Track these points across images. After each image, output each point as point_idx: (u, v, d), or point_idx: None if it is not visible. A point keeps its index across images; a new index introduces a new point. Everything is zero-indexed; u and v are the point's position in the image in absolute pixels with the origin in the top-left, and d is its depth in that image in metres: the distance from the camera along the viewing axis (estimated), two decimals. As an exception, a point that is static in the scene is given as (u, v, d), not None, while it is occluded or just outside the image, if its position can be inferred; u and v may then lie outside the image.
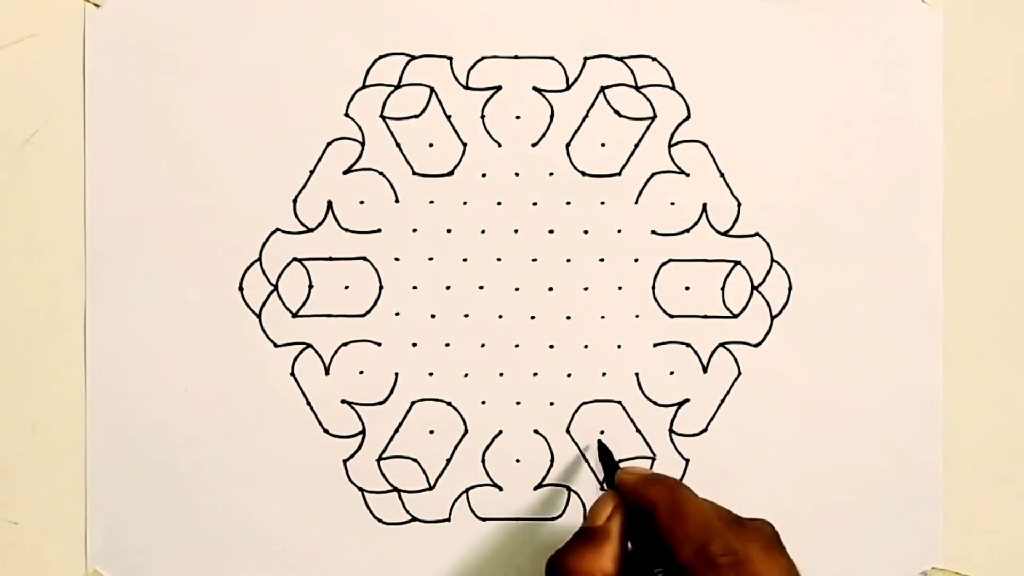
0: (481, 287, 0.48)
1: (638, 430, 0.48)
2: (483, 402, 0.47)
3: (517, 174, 0.48)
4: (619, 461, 0.47)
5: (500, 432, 0.47)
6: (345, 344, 0.47)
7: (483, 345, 0.47)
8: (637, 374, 0.48)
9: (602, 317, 0.48)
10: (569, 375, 0.48)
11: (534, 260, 0.48)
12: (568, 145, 0.48)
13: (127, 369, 0.47)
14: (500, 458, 0.47)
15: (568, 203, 0.48)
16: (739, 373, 0.48)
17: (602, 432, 0.48)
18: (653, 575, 0.40)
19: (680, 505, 0.40)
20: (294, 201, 0.47)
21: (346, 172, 0.47)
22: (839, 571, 0.48)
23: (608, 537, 0.41)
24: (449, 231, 0.48)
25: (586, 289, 0.48)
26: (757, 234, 0.48)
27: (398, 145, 0.47)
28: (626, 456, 0.48)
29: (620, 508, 0.42)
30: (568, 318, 0.48)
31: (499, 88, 0.48)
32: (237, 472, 0.47)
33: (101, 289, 0.47)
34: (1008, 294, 0.48)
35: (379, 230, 0.47)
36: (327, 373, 0.47)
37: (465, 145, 0.48)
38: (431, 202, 0.48)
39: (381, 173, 0.47)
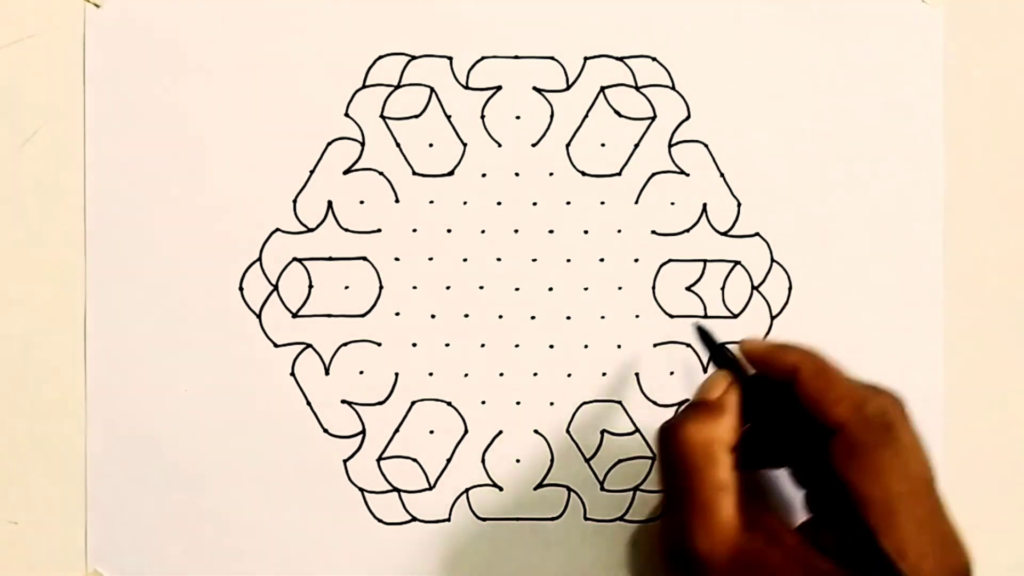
0: (481, 287, 0.48)
1: (638, 430, 0.48)
2: (483, 402, 0.47)
3: (517, 174, 0.48)
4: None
5: (500, 432, 0.47)
6: (345, 344, 0.47)
7: (483, 345, 0.47)
8: (637, 374, 0.48)
9: (602, 317, 0.48)
10: (569, 375, 0.48)
11: (534, 260, 0.48)
12: (568, 145, 0.48)
13: (127, 369, 0.47)
14: (500, 458, 0.47)
15: (568, 203, 0.48)
16: (739, 373, 0.48)
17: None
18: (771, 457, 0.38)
19: (825, 368, 0.39)
20: (294, 201, 0.47)
21: (346, 172, 0.47)
22: (839, 571, 0.48)
23: (725, 408, 0.40)
24: (449, 231, 0.48)
25: (586, 289, 0.48)
26: (757, 234, 0.48)
27: (398, 145, 0.47)
28: (626, 456, 0.48)
29: (736, 383, 0.41)
30: (568, 318, 0.48)
31: (499, 88, 0.48)
32: (237, 472, 0.47)
33: (101, 289, 0.47)
34: (1008, 294, 0.48)
35: (379, 230, 0.47)
36: (327, 373, 0.47)
37: (465, 145, 0.48)
38: (431, 202, 0.48)
39: (381, 173, 0.47)
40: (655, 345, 0.48)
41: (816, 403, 0.38)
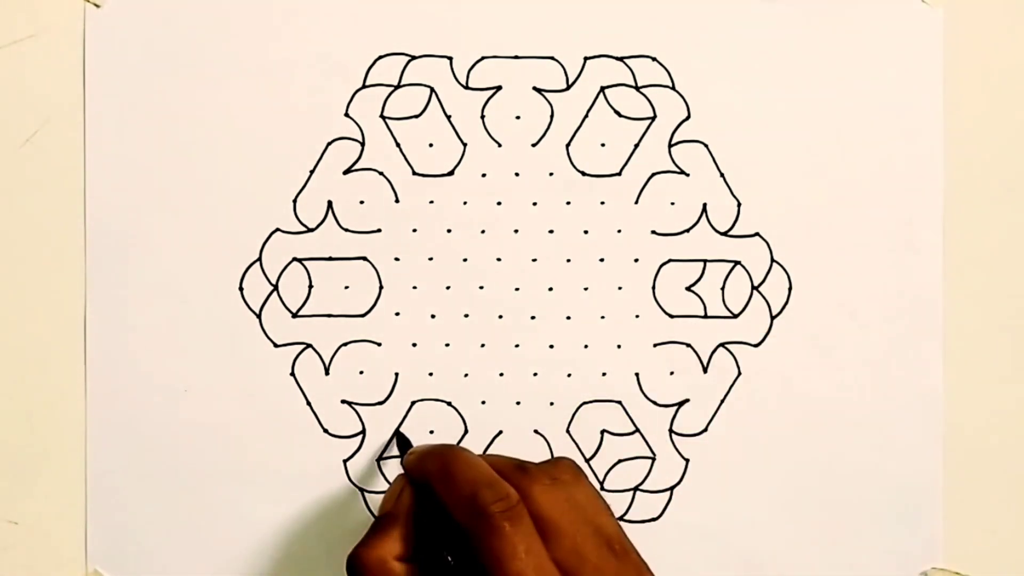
0: (481, 287, 0.48)
1: (638, 430, 0.48)
2: (483, 402, 0.47)
3: (517, 174, 0.48)
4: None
5: (500, 432, 0.47)
6: (345, 344, 0.47)
7: (483, 345, 0.47)
8: (637, 374, 0.48)
9: (602, 317, 0.48)
10: (569, 375, 0.48)
11: (534, 260, 0.48)
12: (568, 145, 0.48)
13: (127, 369, 0.47)
14: (500, 458, 0.47)
15: (568, 203, 0.48)
16: (739, 373, 0.48)
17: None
18: (441, 558, 0.39)
19: (449, 468, 0.39)
20: (294, 201, 0.47)
21: (346, 172, 0.47)
22: (839, 571, 0.48)
23: (395, 520, 0.40)
24: (449, 231, 0.48)
25: (586, 289, 0.48)
26: (757, 234, 0.48)
27: (398, 145, 0.47)
28: (626, 456, 0.48)
29: (408, 488, 0.41)
30: (568, 318, 0.48)
31: (499, 88, 0.48)
32: (237, 472, 0.47)
33: (101, 289, 0.47)
34: (1008, 294, 0.48)
35: (379, 230, 0.47)
36: (327, 373, 0.47)
37: (465, 145, 0.48)
38: (431, 202, 0.48)
39: (381, 173, 0.47)
40: (655, 345, 0.48)
41: (445, 507, 0.38)
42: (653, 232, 0.48)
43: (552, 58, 0.48)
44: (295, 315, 0.47)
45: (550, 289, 0.48)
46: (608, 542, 0.39)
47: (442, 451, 0.40)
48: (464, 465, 0.39)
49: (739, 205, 0.48)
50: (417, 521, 0.40)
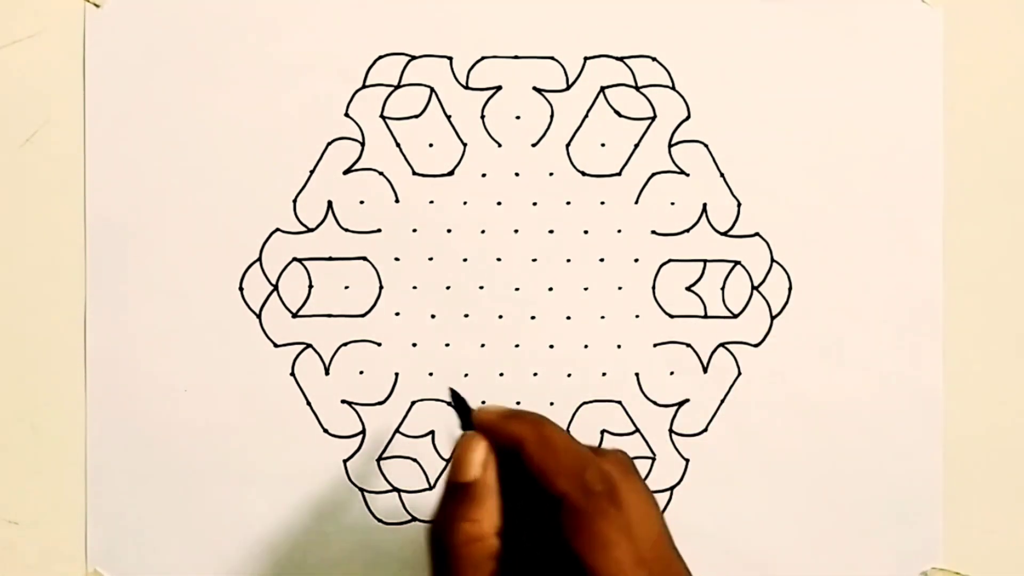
0: (481, 287, 0.48)
1: (638, 430, 0.48)
2: (483, 402, 0.47)
3: (517, 174, 0.48)
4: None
5: (500, 432, 0.47)
6: (345, 344, 0.47)
7: (483, 345, 0.47)
8: (637, 374, 0.48)
9: (602, 317, 0.48)
10: (569, 375, 0.48)
11: (534, 260, 0.48)
12: (568, 145, 0.48)
13: (127, 369, 0.47)
14: (500, 458, 0.47)
15: (568, 203, 0.48)
16: (739, 373, 0.48)
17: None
18: (527, 520, 0.36)
19: (549, 438, 0.37)
20: (294, 201, 0.47)
21: (346, 172, 0.47)
22: (839, 571, 0.48)
23: (488, 490, 0.37)
24: (449, 231, 0.48)
25: (586, 289, 0.48)
26: (757, 234, 0.48)
27: (398, 145, 0.47)
28: (626, 456, 0.48)
29: (491, 453, 0.38)
30: (568, 318, 0.48)
31: (499, 88, 0.48)
32: (237, 472, 0.47)
33: (101, 289, 0.47)
34: (1008, 294, 0.48)
35: (379, 230, 0.47)
36: (327, 373, 0.47)
37: (465, 145, 0.48)
38: (431, 202, 0.48)
39: (381, 173, 0.47)
40: (655, 345, 0.48)
41: (540, 474, 0.37)
42: (653, 232, 0.48)
43: (552, 58, 0.48)
44: (295, 315, 0.47)
45: (550, 289, 0.48)
46: (670, 542, 0.38)
47: (534, 418, 0.38)
48: (562, 439, 0.37)
49: (739, 205, 0.48)
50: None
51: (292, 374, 0.47)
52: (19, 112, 0.47)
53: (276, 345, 0.47)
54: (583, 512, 0.36)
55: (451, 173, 0.47)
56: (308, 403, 0.47)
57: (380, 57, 0.47)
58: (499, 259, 0.48)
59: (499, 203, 0.48)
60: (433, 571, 0.37)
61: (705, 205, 0.48)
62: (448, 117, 0.47)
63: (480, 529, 0.37)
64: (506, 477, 0.38)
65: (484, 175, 0.48)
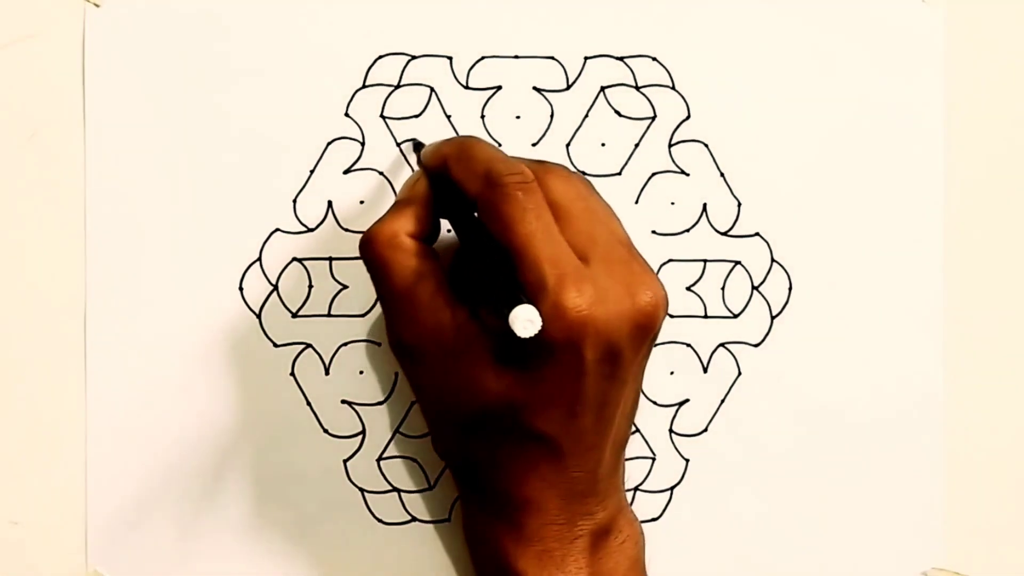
0: (481, 287, 0.47)
1: (638, 430, 0.48)
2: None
3: (517, 174, 0.48)
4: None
5: (500, 432, 0.47)
6: (345, 344, 0.47)
7: (483, 345, 0.47)
8: (637, 374, 0.48)
9: (602, 317, 0.48)
10: (569, 375, 0.48)
11: (534, 260, 0.48)
12: (568, 145, 0.48)
13: (127, 369, 0.47)
14: (500, 458, 0.47)
15: (568, 203, 0.48)
16: (739, 373, 0.48)
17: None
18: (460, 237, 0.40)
19: (468, 148, 0.39)
20: (294, 201, 0.47)
21: (346, 172, 0.47)
22: (839, 571, 0.48)
23: (409, 202, 0.41)
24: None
25: (586, 289, 0.48)
26: (757, 234, 0.48)
27: (398, 145, 0.47)
28: (626, 456, 0.47)
29: (423, 177, 0.41)
30: (568, 318, 0.48)
31: (499, 88, 0.48)
32: (237, 472, 0.47)
33: (101, 289, 0.47)
34: (1008, 294, 0.48)
35: (379, 230, 0.47)
36: (327, 373, 0.47)
37: (465, 145, 0.47)
38: (431, 202, 0.47)
39: (381, 173, 0.47)
40: (655, 345, 0.48)
41: (459, 185, 0.39)
42: (653, 232, 0.48)
43: (552, 58, 0.48)
44: (295, 315, 0.47)
45: (550, 289, 0.47)
46: (618, 239, 0.40)
47: (459, 138, 0.41)
48: (481, 145, 0.40)
49: (739, 205, 0.48)
50: (433, 209, 0.41)
51: (292, 374, 0.47)
52: (19, 112, 0.47)
53: (276, 345, 0.47)
54: (488, 205, 0.37)
55: (451, 173, 0.47)
56: (308, 403, 0.47)
57: (380, 57, 0.47)
58: (499, 259, 0.47)
59: (499, 203, 0.47)
60: (373, 282, 0.41)
61: (705, 205, 0.48)
62: (448, 117, 0.47)
63: (392, 228, 0.40)
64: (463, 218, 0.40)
65: (484, 175, 0.47)
